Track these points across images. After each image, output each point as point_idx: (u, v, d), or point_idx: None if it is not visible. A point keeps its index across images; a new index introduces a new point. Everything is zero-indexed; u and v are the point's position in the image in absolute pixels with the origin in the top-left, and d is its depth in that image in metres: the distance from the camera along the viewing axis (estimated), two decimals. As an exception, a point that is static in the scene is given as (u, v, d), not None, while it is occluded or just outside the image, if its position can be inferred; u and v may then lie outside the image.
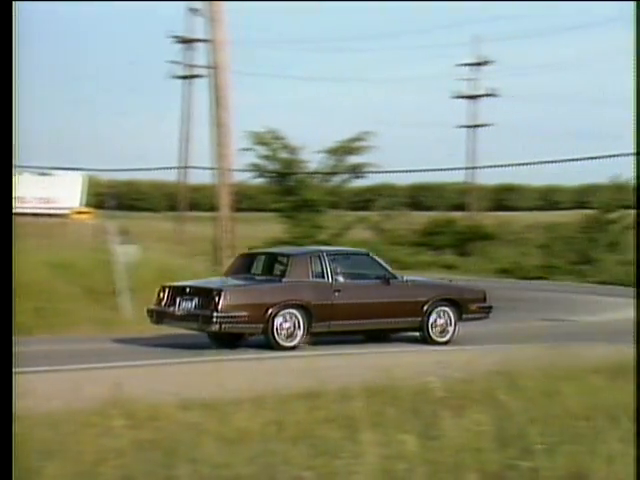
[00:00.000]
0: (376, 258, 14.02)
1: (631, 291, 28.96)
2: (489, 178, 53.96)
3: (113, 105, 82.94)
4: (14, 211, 6.13)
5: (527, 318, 18.44)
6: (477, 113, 46.97)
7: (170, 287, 13.33)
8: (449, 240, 43.27)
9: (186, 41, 41.34)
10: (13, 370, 5.56)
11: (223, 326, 12.52)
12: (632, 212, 42.22)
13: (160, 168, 38.15)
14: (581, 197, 51.83)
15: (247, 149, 36.91)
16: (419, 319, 13.61)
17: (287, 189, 38.75)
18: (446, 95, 47.76)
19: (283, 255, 13.83)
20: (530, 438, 6.01)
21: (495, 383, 8.43)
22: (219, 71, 20.36)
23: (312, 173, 38.76)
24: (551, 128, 70.06)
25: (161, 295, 13.28)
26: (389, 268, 13.95)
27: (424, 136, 70.95)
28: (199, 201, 45.96)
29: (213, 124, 20.45)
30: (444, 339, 13.70)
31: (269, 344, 12.73)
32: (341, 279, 13.28)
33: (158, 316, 13.29)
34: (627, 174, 43.09)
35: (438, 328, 13.75)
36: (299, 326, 12.83)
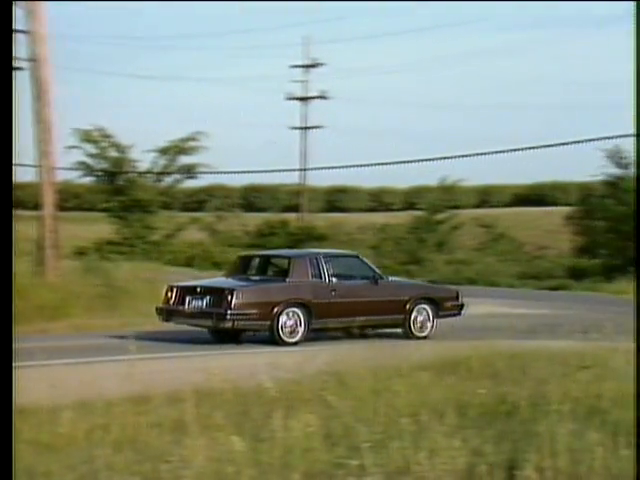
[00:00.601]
0: (365, 260, 15.31)
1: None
2: (321, 180, 54.83)
3: None
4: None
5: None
6: (309, 115, 47.55)
7: (178, 287, 14.35)
8: (282, 241, 43.57)
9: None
10: (13, 366, 5.67)
11: (235, 323, 13.55)
12: (459, 212, 43.94)
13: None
14: (411, 199, 53.33)
15: (73, 147, 35.99)
16: (402, 316, 14.84)
17: (117, 188, 38.00)
18: (280, 96, 48.11)
19: (284, 257, 15.10)
20: (358, 436, 6.13)
21: (326, 383, 8.55)
22: (39, 65, 19.71)
23: (143, 173, 38.19)
24: (382, 130, 71.82)
25: (169, 294, 14.27)
26: (376, 269, 15.13)
27: (258, 137, 71.25)
28: (22, 199, 44.33)
29: (35, 120, 19.79)
30: (423, 334, 14.89)
31: (274, 340, 13.73)
32: (335, 280, 14.38)
33: (167, 314, 14.26)
34: (454, 176, 44.83)
35: (418, 324, 14.97)
36: (300, 323, 13.93)
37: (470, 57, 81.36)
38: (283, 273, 14.42)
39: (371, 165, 43.32)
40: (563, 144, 35.77)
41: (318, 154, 48.50)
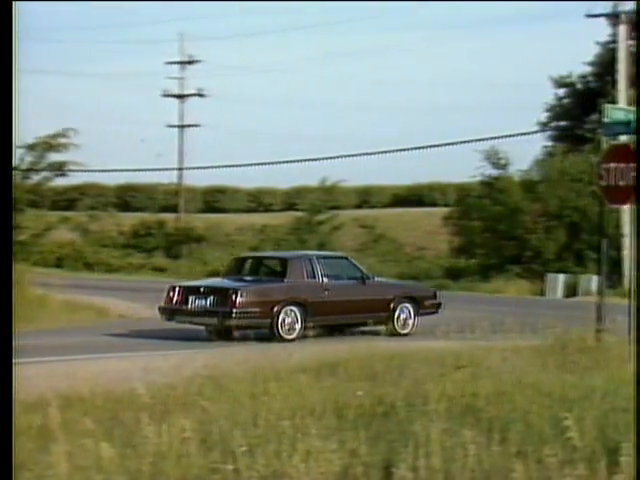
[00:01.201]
0: (353, 261, 16.73)
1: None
2: (200, 179, 54.27)
3: None
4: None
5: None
6: (186, 112, 47.14)
7: (180, 287, 15.52)
8: (159, 242, 43.11)
9: None
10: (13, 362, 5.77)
11: (240, 321, 14.71)
12: (339, 213, 44.35)
13: None
14: (291, 199, 53.54)
15: None
16: (387, 314, 15.98)
17: (-19, 187, 36.75)
18: (156, 93, 47.50)
19: (280, 259, 16.40)
20: (234, 441, 6.11)
21: (202, 387, 8.49)
22: None
23: (10, 170, 37.03)
24: (261, 130, 71.88)
25: (171, 294, 15.29)
26: (364, 270, 16.44)
27: (134, 135, 70.14)
28: None
29: None
30: (406, 331, 16.06)
31: (273, 337, 14.74)
32: (327, 280, 15.58)
33: (170, 313, 15.33)
34: (334, 176, 45.22)
35: (401, 322, 16.16)
36: (297, 321, 15.03)
37: (350, 56, 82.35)
38: (281, 274, 15.61)
39: (250, 165, 43.42)
40: (441, 145, 36.66)
41: (197, 153, 48.19)
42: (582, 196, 33.05)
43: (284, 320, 14.93)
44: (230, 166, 43.87)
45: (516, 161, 36.31)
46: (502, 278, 32.51)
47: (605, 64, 38.88)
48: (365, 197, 57.24)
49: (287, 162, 42.11)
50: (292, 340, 14.68)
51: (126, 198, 54.98)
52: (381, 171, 53.21)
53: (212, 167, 43.77)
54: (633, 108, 14.39)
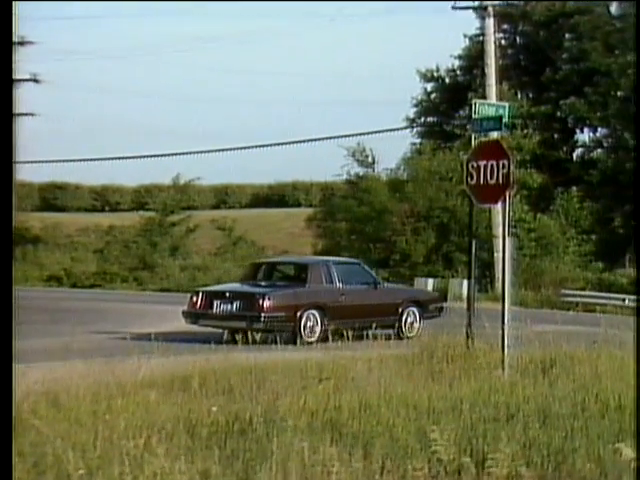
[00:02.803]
0: (366, 267, 18.72)
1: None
2: (36, 174, 52.91)
3: None
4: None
5: (76, 331, 18.26)
6: (19, 100, 45.77)
7: (205, 292, 17.32)
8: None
9: None
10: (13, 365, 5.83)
11: (268, 324, 16.05)
12: (194, 214, 44.08)
13: None
14: (140, 198, 52.88)
15: None
16: (396, 317, 17.66)
17: None
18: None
19: (300, 264, 18.39)
20: (71, 464, 5.95)
21: (36, 404, 8.26)
22: None
23: None
24: (107, 122, 70.63)
25: (194, 299, 16.91)
26: (375, 276, 18.47)
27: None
28: None
29: None
30: (412, 334, 17.47)
31: (295, 340, 15.99)
32: (343, 285, 17.25)
33: (195, 317, 16.92)
34: (188, 174, 44.90)
35: (408, 325, 17.79)
36: (317, 324, 16.55)
37: (206, 44, 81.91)
38: (302, 279, 17.28)
39: (94, 160, 42.67)
40: (304, 141, 36.95)
41: (32, 145, 46.83)
42: (451, 196, 33.79)
43: (306, 323, 16.47)
44: (71, 160, 43.05)
45: (383, 159, 36.90)
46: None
47: (474, 57, 39.98)
48: (223, 197, 57.12)
49: (136, 157, 41.65)
50: (312, 343, 15.85)
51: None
52: (240, 169, 53.17)
53: (50, 161, 42.86)
54: (503, 103, 14.84)
